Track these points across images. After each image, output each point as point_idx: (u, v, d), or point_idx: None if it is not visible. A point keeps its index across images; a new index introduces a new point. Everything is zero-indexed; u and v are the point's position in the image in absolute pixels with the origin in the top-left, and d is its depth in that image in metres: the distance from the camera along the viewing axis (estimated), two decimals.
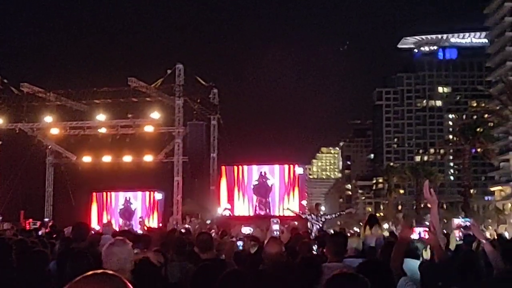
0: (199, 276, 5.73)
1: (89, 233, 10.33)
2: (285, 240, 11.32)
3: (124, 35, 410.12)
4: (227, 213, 39.75)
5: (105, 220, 40.47)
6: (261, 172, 41.32)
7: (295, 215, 23.99)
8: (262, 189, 41.13)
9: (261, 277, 6.17)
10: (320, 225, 19.34)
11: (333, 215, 21.70)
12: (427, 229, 7.76)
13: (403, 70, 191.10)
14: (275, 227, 13.90)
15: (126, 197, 43.96)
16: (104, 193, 44.32)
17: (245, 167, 42.05)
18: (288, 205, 36.89)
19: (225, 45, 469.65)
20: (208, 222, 36.25)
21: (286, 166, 41.33)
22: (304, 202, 42.05)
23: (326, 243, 8.19)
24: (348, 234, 13.45)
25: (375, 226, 14.28)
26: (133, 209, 43.41)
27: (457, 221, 28.28)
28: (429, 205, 8.17)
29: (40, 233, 19.33)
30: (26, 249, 8.23)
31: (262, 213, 39.54)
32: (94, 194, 44.19)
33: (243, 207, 41.21)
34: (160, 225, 38.21)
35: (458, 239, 14.82)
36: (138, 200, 43.82)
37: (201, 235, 8.98)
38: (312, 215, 19.80)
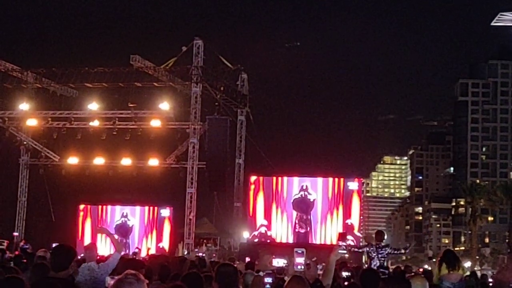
0: None
1: (73, 258, 9.21)
2: (312, 278, 9.37)
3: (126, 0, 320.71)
4: (263, 230, 39.11)
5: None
6: (302, 186, 40.04)
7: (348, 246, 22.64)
8: (303, 205, 39.84)
9: None
10: (382, 261, 17.65)
11: (402, 251, 20.02)
12: None
13: (498, 56, 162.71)
14: (299, 259, 10.08)
15: (123, 212, 39.64)
16: (94, 207, 40.44)
17: (285, 178, 40.50)
18: (330, 224, 38.55)
19: (258, 14, 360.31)
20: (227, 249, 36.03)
21: (331, 180, 39.93)
22: (354, 222, 39.78)
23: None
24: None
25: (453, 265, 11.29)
26: (130, 226, 39.30)
27: None
28: None
29: (7, 256, 17.72)
30: None
31: (302, 231, 39.50)
32: (84, 206, 40.16)
33: (282, 225, 40.13)
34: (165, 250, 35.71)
35: None
36: (136, 216, 39.27)
37: (223, 267, 7.97)
38: (371, 246, 17.87)
